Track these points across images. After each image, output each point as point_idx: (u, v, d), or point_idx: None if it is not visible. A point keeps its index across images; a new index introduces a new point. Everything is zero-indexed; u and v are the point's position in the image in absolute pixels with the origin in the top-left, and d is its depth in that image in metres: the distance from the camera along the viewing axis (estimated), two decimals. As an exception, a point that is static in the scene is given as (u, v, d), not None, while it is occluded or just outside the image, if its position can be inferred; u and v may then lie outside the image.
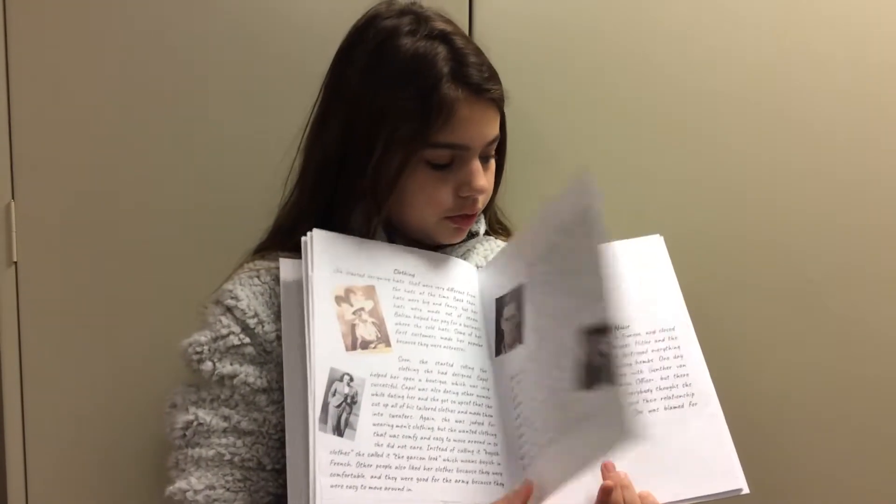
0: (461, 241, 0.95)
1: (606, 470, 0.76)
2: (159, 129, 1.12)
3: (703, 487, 0.77)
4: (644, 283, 0.88)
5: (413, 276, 0.85)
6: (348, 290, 0.81)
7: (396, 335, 0.81)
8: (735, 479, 0.77)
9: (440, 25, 0.85)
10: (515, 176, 1.00)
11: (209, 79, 1.12)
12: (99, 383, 1.15)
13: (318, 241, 0.81)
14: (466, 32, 1.09)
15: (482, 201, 0.89)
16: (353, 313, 0.80)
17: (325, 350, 0.76)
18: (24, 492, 1.14)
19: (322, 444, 0.73)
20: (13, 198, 1.11)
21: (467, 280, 0.90)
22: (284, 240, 0.92)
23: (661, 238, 0.92)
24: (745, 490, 0.77)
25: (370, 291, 0.82)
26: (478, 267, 0.94)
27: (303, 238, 0.82)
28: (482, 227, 0.98)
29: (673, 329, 0.86)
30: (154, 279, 1.14)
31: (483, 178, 0.86)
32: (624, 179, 1.18)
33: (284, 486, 0.81)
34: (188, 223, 1.14)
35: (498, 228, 1.04)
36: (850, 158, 1.18)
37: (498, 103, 0.86)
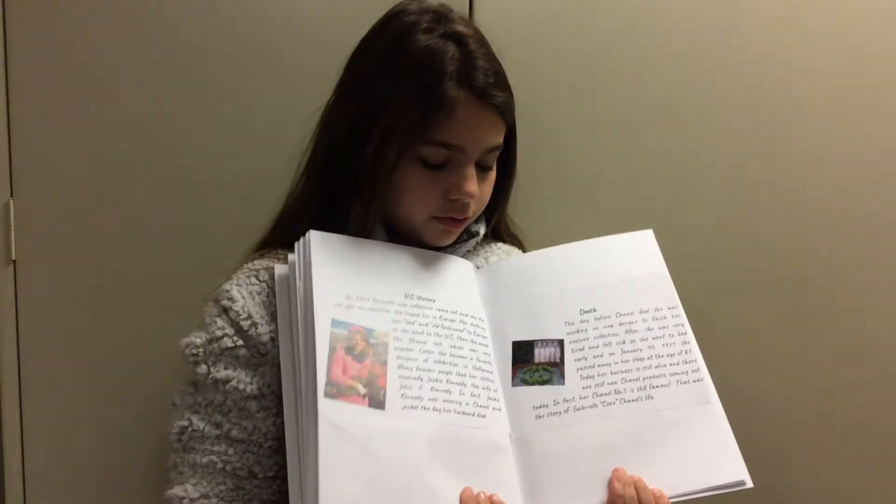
0: (461, 242, 0.94)
1: (617, 472, 0.76)
2: (159, 127, 1.12)
3: (705, 479, 0.75)
4: (635, 281, 0.88)
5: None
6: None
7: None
8: (736, 469, 0.76)
9: (458, 27, 0.84)
10: (518, 179, 1.00)
11: (210, 75, 1.12)
12: (97, 382, 1.14)
13: (316, 251, 0.81)
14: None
15: (473, 208, 0.87)
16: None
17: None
18: (21, 491, 1.14)
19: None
20: (12, 196, 1.10)
21: (468, 289, 0.90)
22: (286, 231, 0.91)
23: (651, 232, 0.92)
24: (749, 483, 0.75)
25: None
26: (477, 268, 0.94)
27: (290, 256, 0.82)
28: (482, 229, 0.97)
29: (663, 314, 0.86)
30: (153, 278, 1.14)
31: (474, 184, 0.85)
32: (625, 178, 1.18)
33: (278, 492, 0.82)
34: (186, 221, 1.14)
35: (508, 240, 1.03)
36: (849, 157, 1.18)
37: (502, 112, 0.85)
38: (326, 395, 0.73)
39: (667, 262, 0.90)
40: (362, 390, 0.75)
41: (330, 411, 0.72)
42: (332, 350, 0.76)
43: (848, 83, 1.17)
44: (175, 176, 1.13)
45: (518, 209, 1.03)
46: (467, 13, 1.13)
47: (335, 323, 0.77)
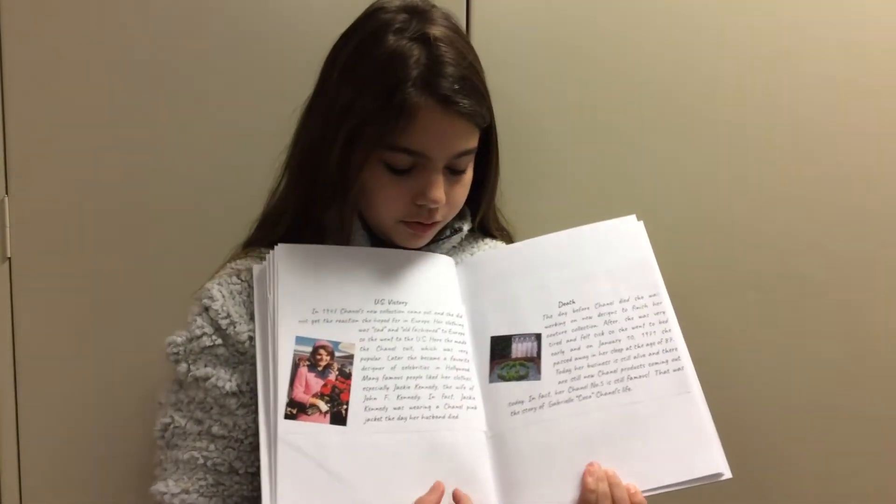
0: (444, 238, 0.93)
1: (590, 466, 0.75)
2: (154, 124, 1.13)
3: (681, 472, 0.74)
4: (615, 269, 0.87)
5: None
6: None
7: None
8: (715, 460, 0.74)
9: (431, 28, 0.81)
10: (511, 174, 0.99)
11: (204, 74, 1.12)
12: (93, 380, 1.15)
13: (283, 278, 0.82)
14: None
15: (442, 213, 0.85)
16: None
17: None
18: (17, 488, 1.15)
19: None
20: (7, 193, 1.12)
21: (446, 287, 0.89)
22: (270, 231, 0.91)
23: (634, 217, 0.90)
24: (727, 474, 0.73)
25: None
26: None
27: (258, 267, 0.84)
28: (466, 225, 0.95)
29: (644, 302, 0.84)
30: (148, 275, 1.14)
31: (440, 191, 0.82)
32: (620, 177, 1.17)
33: (259, 488, 0.81)
34: (182, 219, 1.14)
35: (498, 234, 1.02)
36: (845, 152, 1.16)
37: (472, 119, 0.82)
38: (286, 416, 0.76)
39: (656, 255, 0.88)
40: (324, 407, 0.77)
41: (288, 432, 0.75)
42: (294, 368, 0.78)
43: (844, 77, 1.15)
44: (171, 173, 1.13)
45: (509, 203, 1.02)
46: (465, 12, 1.12)
47: (299, 340, 0.80)
